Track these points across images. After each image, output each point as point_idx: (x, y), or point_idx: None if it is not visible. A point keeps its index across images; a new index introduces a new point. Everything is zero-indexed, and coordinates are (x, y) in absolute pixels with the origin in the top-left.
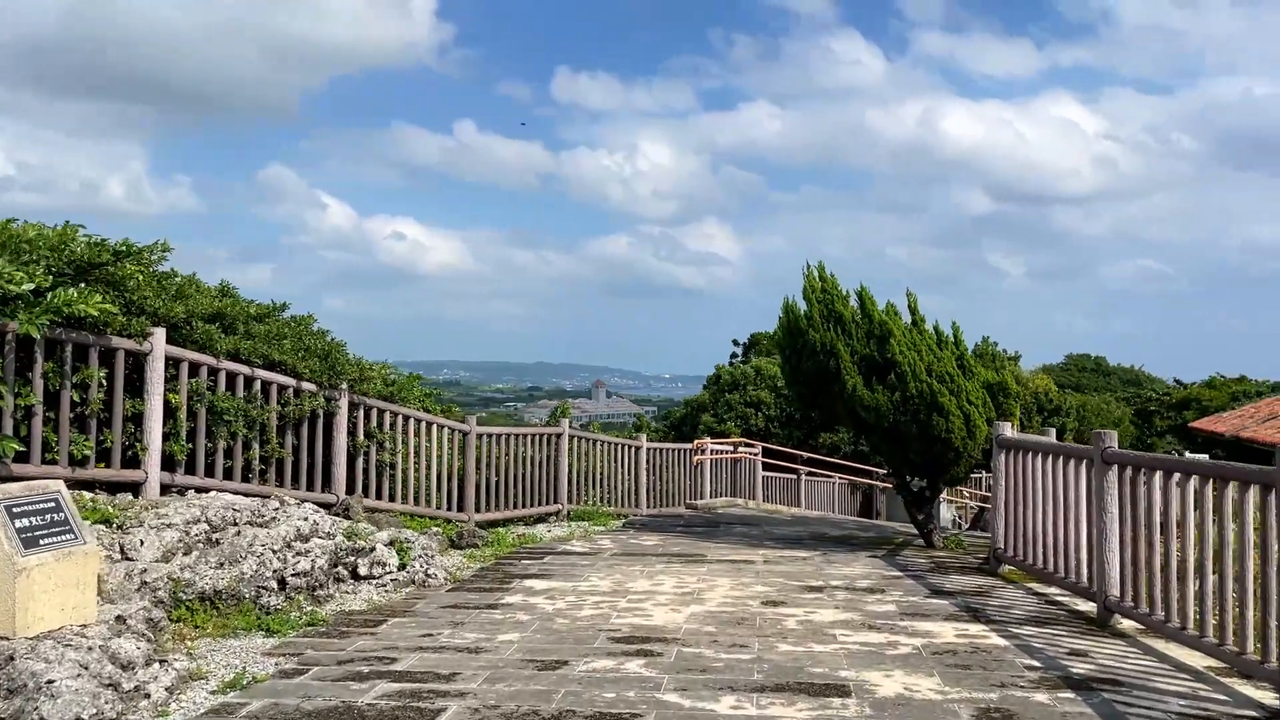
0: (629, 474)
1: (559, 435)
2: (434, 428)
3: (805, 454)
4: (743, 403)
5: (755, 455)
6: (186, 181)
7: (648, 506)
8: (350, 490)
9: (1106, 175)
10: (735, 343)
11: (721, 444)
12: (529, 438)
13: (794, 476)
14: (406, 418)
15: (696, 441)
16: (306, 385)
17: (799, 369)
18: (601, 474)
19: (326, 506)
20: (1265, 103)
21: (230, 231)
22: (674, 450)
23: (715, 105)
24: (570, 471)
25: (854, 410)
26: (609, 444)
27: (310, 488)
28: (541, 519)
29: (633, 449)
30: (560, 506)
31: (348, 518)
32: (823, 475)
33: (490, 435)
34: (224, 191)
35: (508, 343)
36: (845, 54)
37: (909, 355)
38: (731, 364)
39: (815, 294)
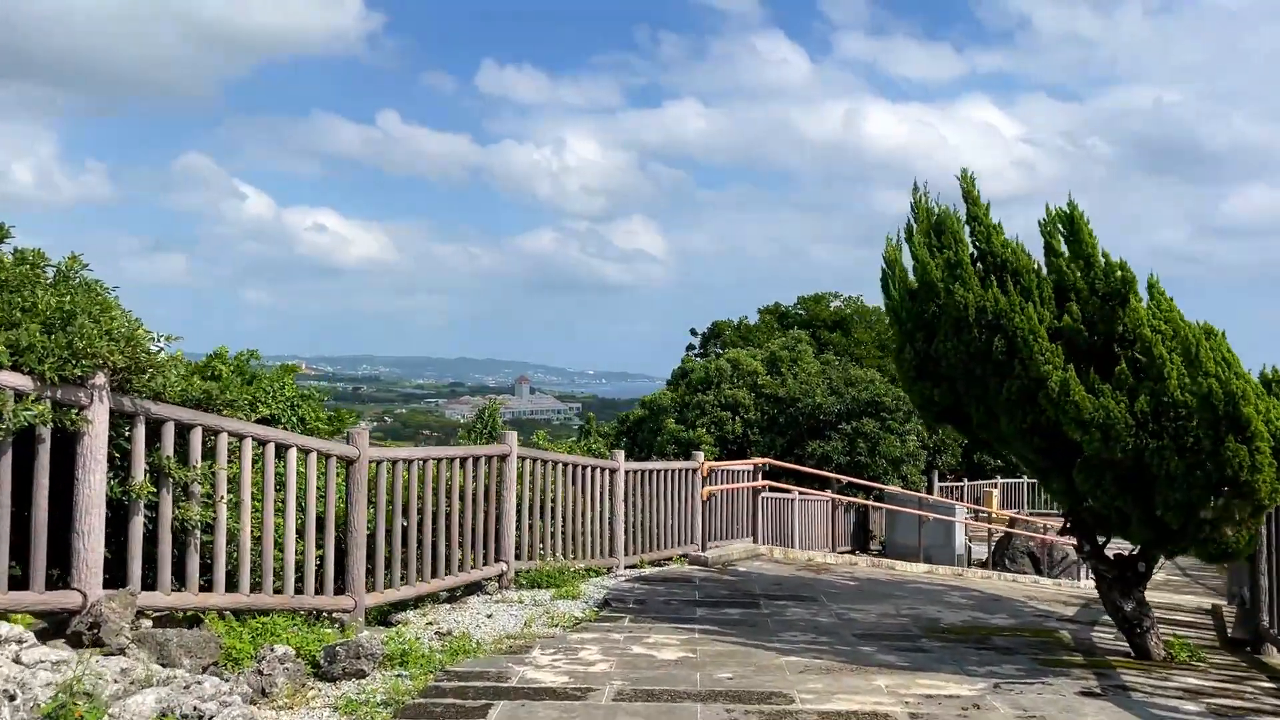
0: (601, 509)
1: (504, 457)
2: (292, 453)
3: (829, 474)
4: (717, 404)
5: (758, 480)
6: (99, 168)
7: (629, 553)
8: (116, 580)
9: (1025, 178)
10: (694, 333)
11: (736, 467)
12: (457, 462)
13: (788, 497)
14: (239, 438)
15: (707, 465)
16: (8, 380)
17: (928, 357)
18: (563, 510)
19: (56, 622)
20: (1175, 110)
21: (144, 220)
22: (663, 474)
23: (642, 102)
24: (520, 512)
25: (1049, 425)
26: (574, 467)
27: (24, 583)
28: (475, 588)
29: (607, 473)
30: (504, 567)
31: (98, 643)
32: (814, 494)
33: (393, 462)
34: (139, 179)
35: (430, 338)
36: (771, 54)
37: (1168, 331)
38: (689, 356)
39: (952, 229)
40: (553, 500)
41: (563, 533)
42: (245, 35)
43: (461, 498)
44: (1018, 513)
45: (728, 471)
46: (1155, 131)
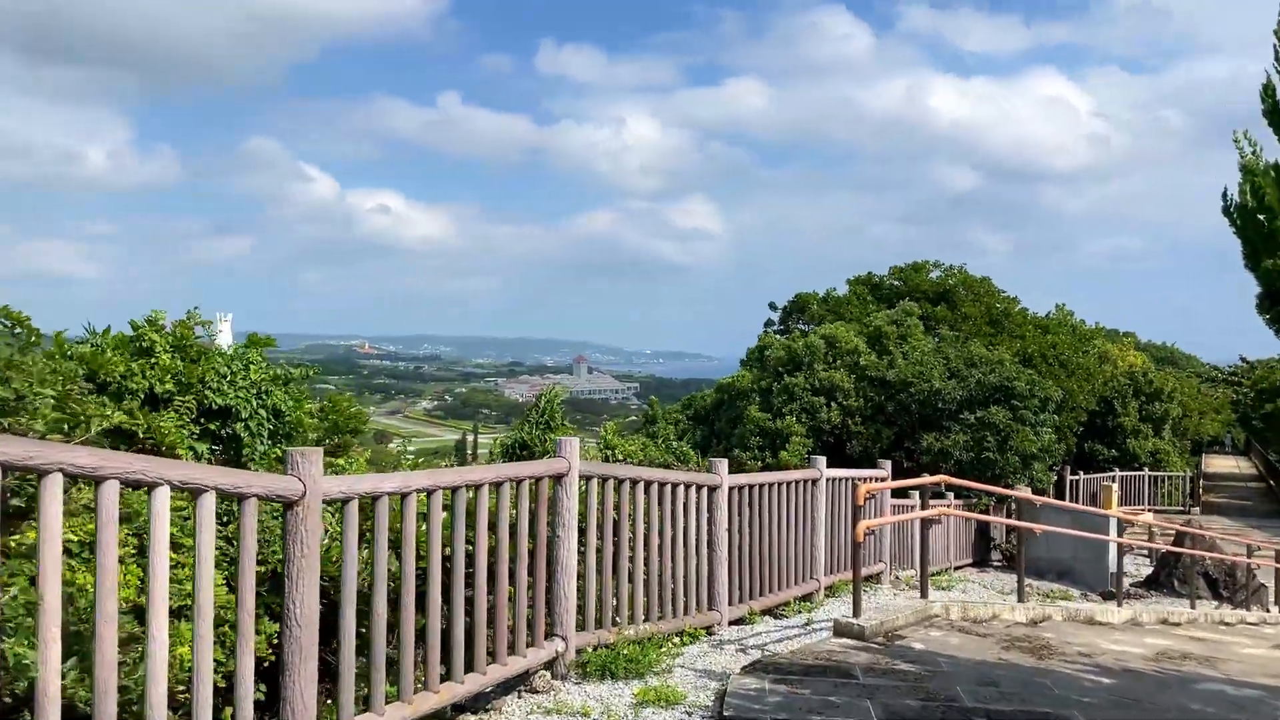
0: (695, 543)
1: (558, 477)
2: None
3: (1000, 489)
4: (808, 388)
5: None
6: (169, 152)
7: (734, 601)
8: None
9: (1097, 152)
10: (773, 307)
11: (906, 486)
12: (484, 490)
13: (907, 503)
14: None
15: (867, 486)
16: None
17: None
18: (644, 550)
19: None
20: (1253, 81)
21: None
22: (778, 489)
23: (701, 81)
24: (584, 558)
25: None
26: (659, 486)
27: None
28: (515, 682)
29: (704, 492)
30: (559, 646)
31: None
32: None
33: (372, 498)
34: (207, 162)
35: (489, 318)
36: (832, 29)
37: None
38: (768, 333)
39: None
40: (630, 535)
41: (644, 582)
42: (311, 19)
43: (492, 552)
44: (1136, 511)
45: (894, 498)
46: (1232, 103)
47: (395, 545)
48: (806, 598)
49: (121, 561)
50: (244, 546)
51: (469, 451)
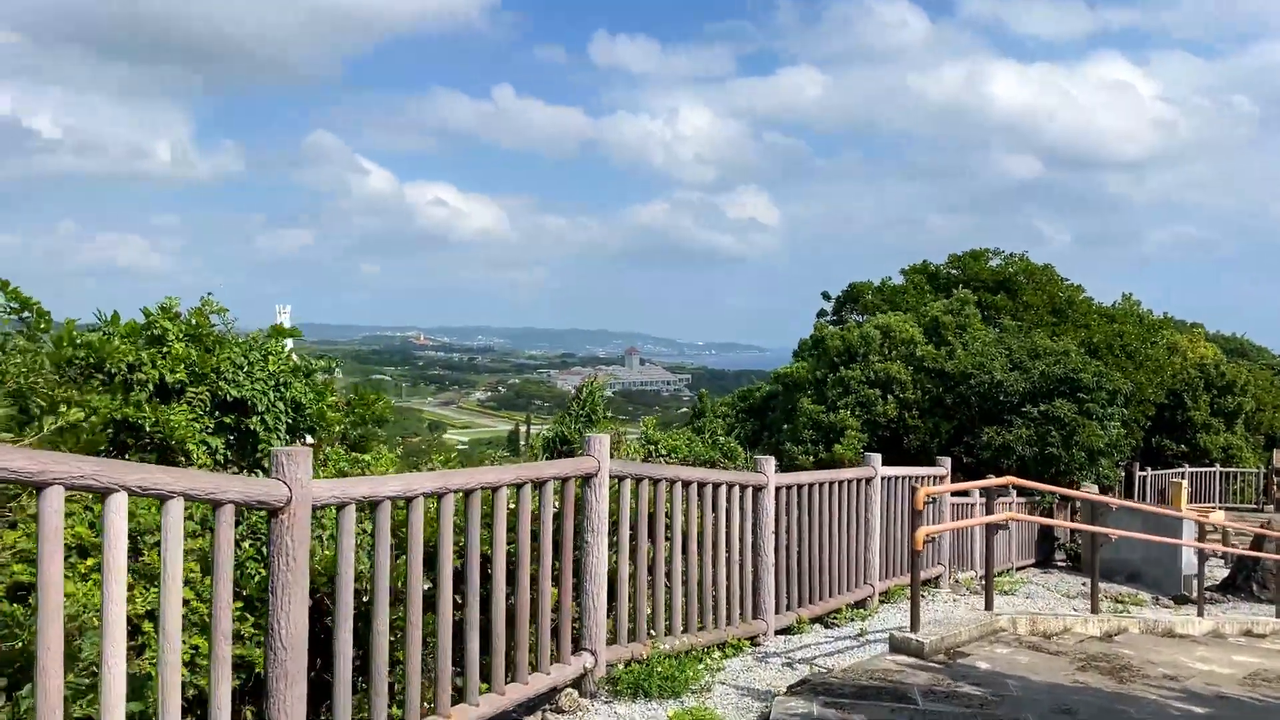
0: (740, 548)
1: (587, 478)
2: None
3: (1066, 490)
4: (864, 380)
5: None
6: (232, 146)
7: (780, 609)
8: None
9: (1163, 138)
10: (826, 296)
11: (968, 489)
12: (502, 492)
13: (967, 502)
14: None
15: (925, 489)
16: None
17: None
18: (683, 556)
19: None
20: None
21: (272, 196)
22: (828, 488)
23: (756, 70)
24: (617, 565)
25: None
26: (699, 487)
27: None
28: (538, 702)
29: (749, 493)
30: (587, 662)
31: None
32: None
33: (372, 504)
34: (269, 156)
35: (542, 309)
36: (888, 16)
37: None
38: (822, 323)
39: None
40: (667, 540)
41: (683, 590)
42: (369, 14)
43: (506, 547)
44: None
45: (958, 506)
46: None
47: (399, 555)
48: (860, 604)
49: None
50: (218, 560)
51: (521, 442)
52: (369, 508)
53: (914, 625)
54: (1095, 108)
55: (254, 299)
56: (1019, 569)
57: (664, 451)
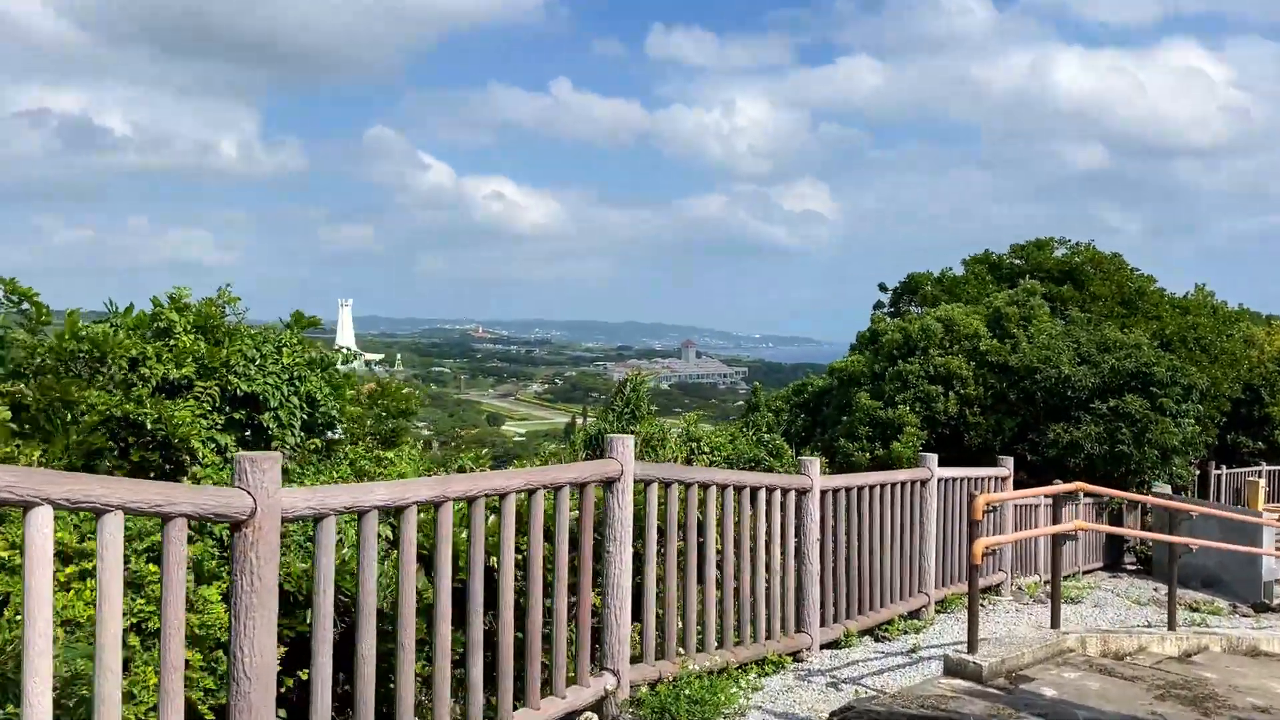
0: (781, 555)
1: (610, 482)
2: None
3: (1137, 494)
4: (923, 375)
5: (1065, 515)
6: (295, 142)
7: (825, 621)
8: None
9: (1236, 126)
10: (883, 288)
11: (1033, 496)
12: (510, 499)
13: (1032, 502)
14: None
15: (985, 497)
16: None
17: None
18: (716, 567)
19: None
20: None
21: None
22: (879, 491)
23: (813, 60)
24: (643, 579)
25: None
26: (735, 491)
27: None
28: None
29: (792, 497)
30: (609, 683)
31: None
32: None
33: (372, 511)
34: (331, 152)
35: (598, 302)
36: (950, 4)
37: None
38: (879, 316)
39: None
40: (700, 548)
41: (717, 602)
42: (428, 9)
43: (515, 558)
44: None
45: (1022, 506)
46: None
47: (391, 582)
48: (914, 614)
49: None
50: (168, 581)
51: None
52: (357, 519)
53: (971, 645)
54: (1165, 94)
55: (317, 293)
56: (1086, 572)
57: (706, 450)
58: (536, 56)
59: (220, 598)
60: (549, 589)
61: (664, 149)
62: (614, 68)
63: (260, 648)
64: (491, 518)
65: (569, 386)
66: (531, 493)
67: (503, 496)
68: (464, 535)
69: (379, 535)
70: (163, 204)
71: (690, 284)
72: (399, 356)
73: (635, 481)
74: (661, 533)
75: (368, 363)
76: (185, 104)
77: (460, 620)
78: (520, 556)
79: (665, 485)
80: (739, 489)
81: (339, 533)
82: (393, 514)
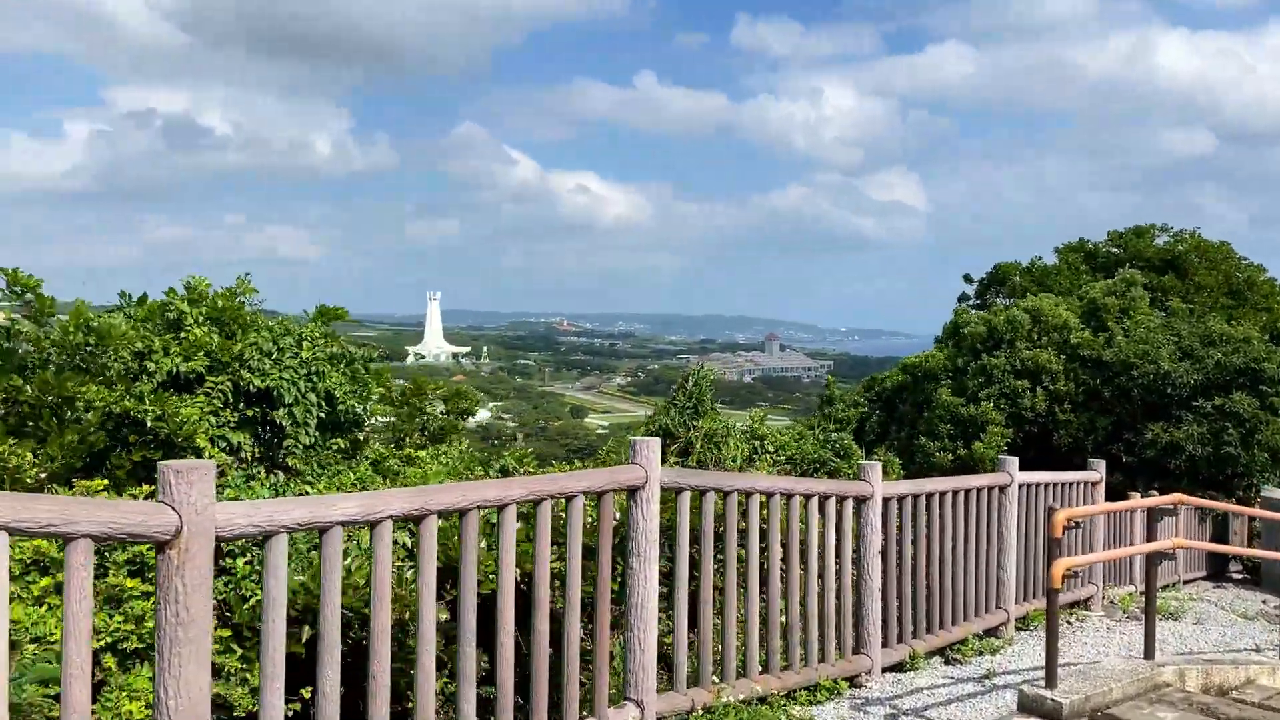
0: (838, 570)
1: (634, 490)
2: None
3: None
4: (1009, 369)
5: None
6: (386, 139)
7: (889, 641)
8: None
9: None
10: (968, 279)
11: (1126, 509)
12: (509, 512)
13: (1127, 505)
14: None
15: (1066, 513)
16: None
17: None
18: (758, 579)
19: None
20: None
21: (423, 186)
22: (953, 497)
23: (901, 48)
24: (673, 595)
25: None
26: (779, 499)
27: None
28: None
29: (849, 505)
30: (630, 717)
31: None
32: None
33: (335, 527)
34: (420, 148)
35: (682, 295)
36: None
37: None
38: (963, 308)
39: None
40: (740, 563)
41: (760, 622)
42: (515, 6)
43: (514, 574)
44: None
45: (1111, 516)
46: None
47: (358, 595)
48: (991, 632)
49: None
50: (70, 610)
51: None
52: (318, 535)
53: (1050, 678)
54: (1275, 78)
55: (405, 287)
56: (1187, 582)
57: (770, 449)
58: (621, 50)
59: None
60: (560, 614)
61: (748, 141)
62: (698, 60)
63: (189, 685)
64: (519, 525)
65: (652, 379)
66: (537, 503)
67: (501, 508)
68: (448, 554)
69: (397, 543)
70: (258, 201)
71: (775, 277)
72: (485, 349)
73: (664, 489)
74: (695, 545)
75: (454, 355)
76: (281, 103)
77: (443, 657)
78: (521, 573)
79: (700, 493)
80: (787, 496)
81: (351, 539)
82: (361, 531)
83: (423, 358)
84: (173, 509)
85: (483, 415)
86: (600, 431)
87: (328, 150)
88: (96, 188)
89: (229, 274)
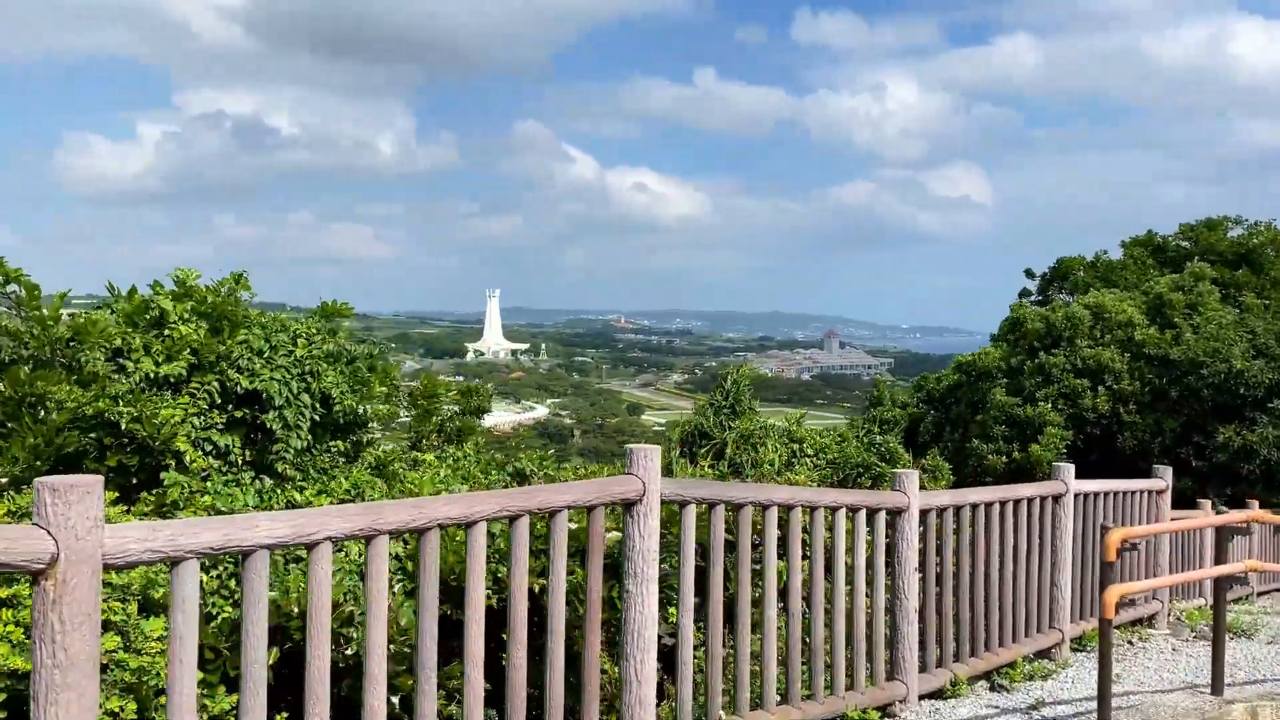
0: (869, 589)
1: (630, 504)
2: None
3: None
4: (1069, 368)
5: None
6: (449, 138)
7: (927, 665)
8: None
9: None
10: (1029, 274)
11: (1191, 527)
12: (481, 527)
13: (1194, 516)
14: None
15: (1120, 533)
16: None
17: None
18: (775, 601)
19: None
20: None
21: (483, 184)
22: (999, 508)
23: (966, 40)
24: (678, 614)
25: None
26: (801, 511)
27: None
28: None
29: (881, 518)
30: None
31: None
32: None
33: (259, 551)
34: (482, 147)
35: (739, 293)
36: None
37: None
38: (1023, 304)
39: None
40: (756, 584)
41: (779, 647)
42: (575, 3)
43: (483, 601)
44: None
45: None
46: None
47: (298, 631)
48: (1043, 654)
49: None
50: None
51: None
52: (240, 560)
53: (1103, 716)
54: None
55: (465, 284)
56: (1262, 594)
57: (810, 452)
58: (680, 47)
59: (165, 630)
60: (539, 649)
61: (810, 136)
62: (758, 55)
63: None
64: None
65: (708, 377)
66: (514, 519)
67: (468, 527)
68: (400, 582)
69: (392, 555)
70: (325, 200)
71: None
72: (544, 346)
73: (665, 502)
74: (703, 563)
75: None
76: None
77: (402, 700)
78: (494, 600)
79: (709, 506)
80: (810, 509)
81: (341, 550)
82: (299, 554)
83: (482, 355)
84: (48, 533)
85: (540, 411)
86: (657, 428)
87: (392, 150)
88: (168, 189)
89: (293, 273)
